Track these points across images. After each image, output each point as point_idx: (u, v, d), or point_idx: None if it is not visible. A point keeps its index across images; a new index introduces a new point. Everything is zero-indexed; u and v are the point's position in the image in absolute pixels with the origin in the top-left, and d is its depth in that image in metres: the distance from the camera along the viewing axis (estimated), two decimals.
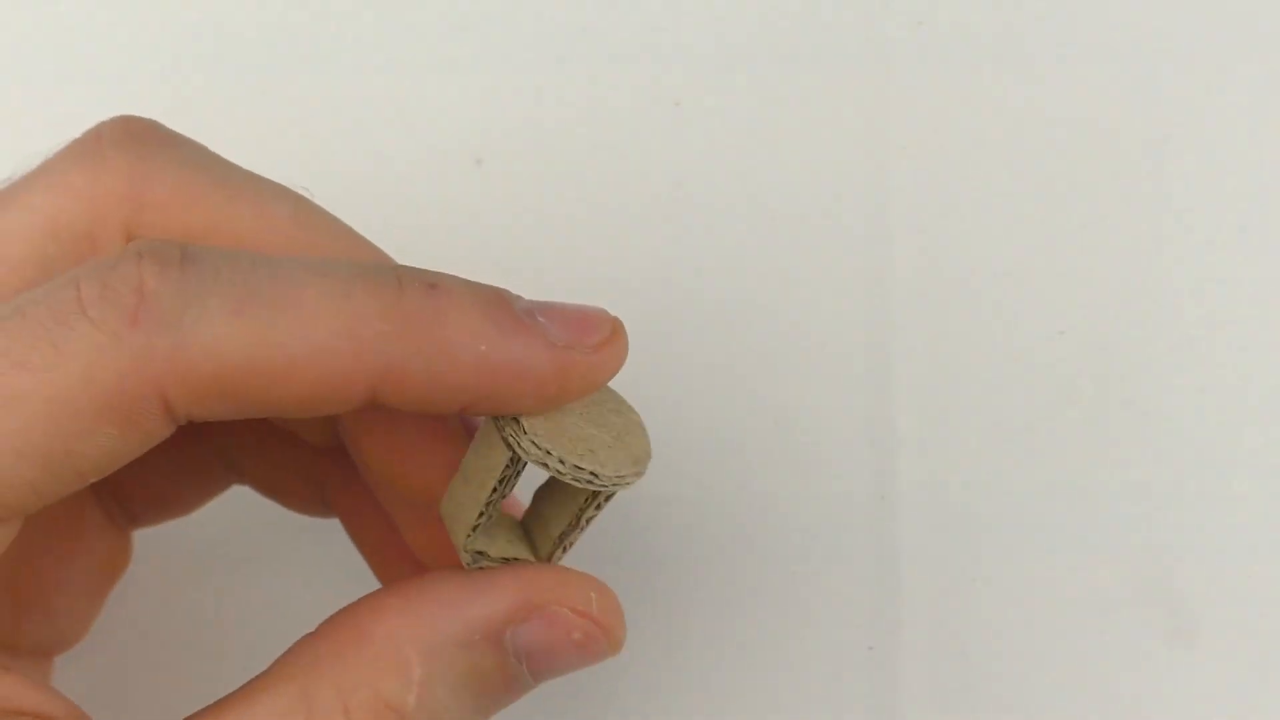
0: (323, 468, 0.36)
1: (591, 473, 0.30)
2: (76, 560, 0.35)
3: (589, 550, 0.40)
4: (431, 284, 0.29)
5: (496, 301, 0.29)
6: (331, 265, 0.29)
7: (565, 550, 0.32)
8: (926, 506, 0.40)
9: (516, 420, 0.30)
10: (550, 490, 0.32)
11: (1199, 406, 0.40)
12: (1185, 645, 0.39)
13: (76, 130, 0.32)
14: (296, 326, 0.28)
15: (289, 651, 0.30)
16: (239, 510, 0.39)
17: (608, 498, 0.31)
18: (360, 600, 0.31)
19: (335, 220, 0.33)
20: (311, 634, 0.30)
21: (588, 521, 0.31)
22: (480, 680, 0.30)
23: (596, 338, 0.30)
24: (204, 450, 0.36)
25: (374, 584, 0.35)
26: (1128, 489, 0.40)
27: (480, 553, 0.31)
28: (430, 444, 0.33)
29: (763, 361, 0.41)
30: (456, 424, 0.33)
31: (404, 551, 0.35)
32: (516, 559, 0.31)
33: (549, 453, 0.29)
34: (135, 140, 0.32)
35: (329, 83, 0.43)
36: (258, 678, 0.30)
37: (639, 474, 0.30)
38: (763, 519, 0.40)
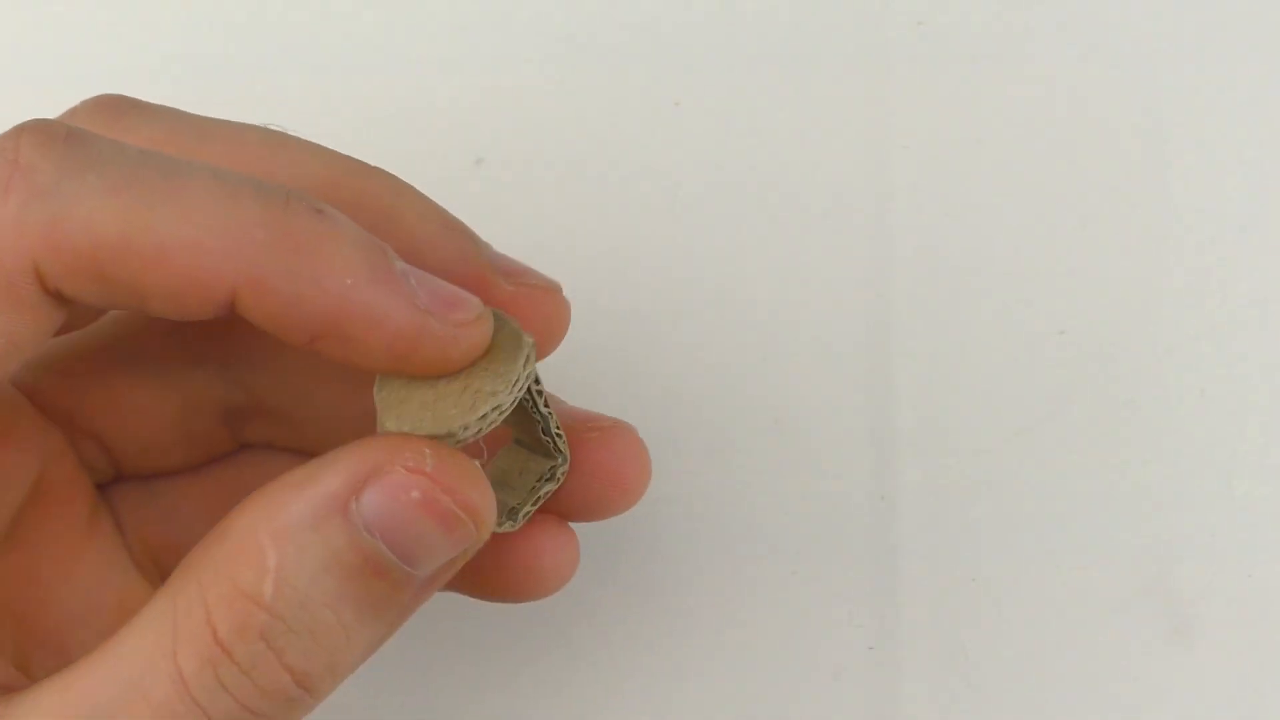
0: None
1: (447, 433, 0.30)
2: (88, 596, 0.35)
3: (590, 550, 0.40)
4: (319, 210, 0.29)
5: (376, 248, 0.30)
6: (227, 172, 0.29)
7: (520, 518, 0.32)
8: (926, 506, 0.40)
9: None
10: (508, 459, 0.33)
11: (1199, 407, 0.40)
12: (1185, 645, 0.39)
13: None
14: (174, 215, 0.28)
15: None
16: None
17: (552, 473, 0.32)
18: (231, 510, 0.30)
19: (308, 142, 0.33)
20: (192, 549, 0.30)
21: (545, 496, 0.32)
22: (339, 563, 0.29)
23: (460, 316, 0.30)
24: (238, 498, 0.36)
25: None
26: (1128, 489, 0.40)
27: None
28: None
29: (763, 361, 0.41)
30: None
31: None
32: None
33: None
34: (108, 106, 0.33)
35: (329, 83, 0.43)
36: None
37: (513, 385, 0.30)
38: (763, 519, 0.40)
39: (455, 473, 0.30)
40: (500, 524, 0.32)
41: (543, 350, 0.33)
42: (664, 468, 0.40)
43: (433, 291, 0.30)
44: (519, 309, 0.32)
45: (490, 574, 0.34)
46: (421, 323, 0.30)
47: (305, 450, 0.35)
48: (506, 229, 0.40)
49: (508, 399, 0.30)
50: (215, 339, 0.35)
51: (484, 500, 0.30)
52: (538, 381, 0.31)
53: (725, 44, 0.43)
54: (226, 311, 0.29)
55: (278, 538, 0.29)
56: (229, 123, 0.33)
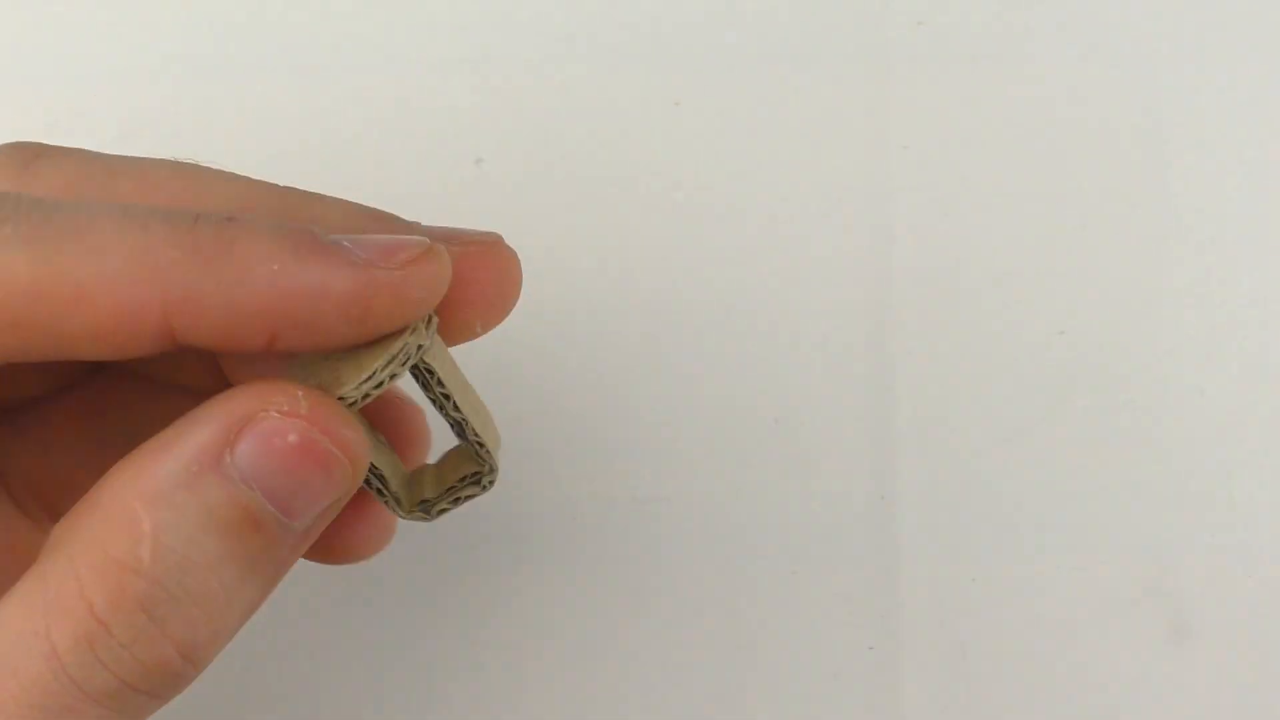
0: None
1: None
2: None
3: (589, 550, 0.40)
4: (228, 218, 0.29)
5: (296, 230, 0.29)
6: (133, 206, 0.29)
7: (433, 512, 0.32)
8: (926, 506, 0.40)
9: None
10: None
11: (1199, 407, 0.40)
12: (1185, 645, 0.39)
13: (75, 130, 0.32)
14: (86, 254, 0.28)
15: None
16: None
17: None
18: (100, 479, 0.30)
19: (219, 170, 0.32)
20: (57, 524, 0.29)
21: (466, 499, 0.32)
22: (217, 521, 0.28)
23: (404, 256, 0.29)
24: (106, 422, 0.35)
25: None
26: (1128, 489, 0.40)
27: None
28: None
29: (763, 361, 0.41)
30: None
31: None
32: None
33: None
34: (16, 153, 0.32)
35: (329, 83, 0.43)
36: None
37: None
38: (763, 519, 0.40)
39: (329, 413, 0.29)
40: (410, 513, 0.32)
41: (503, 307, 0.32)
42: (664, 467, 0.40)
43: (369, 245, 0.29)
44: (465, 272, 0.31)
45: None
46: (365, 278, 0.29)
47: (158, 377, 0.35)
48: (506, 229, 0.40)
49: (383, 366, 0.29)
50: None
51: (358, 439, 0.29)
52: (441, 384, 0.31)
53: (725, 44, 0.43)
54: (168, 343, 0.29)
55: (150, 500, 0.28)
56: (139, 159, 0.32)
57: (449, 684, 0.39)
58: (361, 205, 0.33)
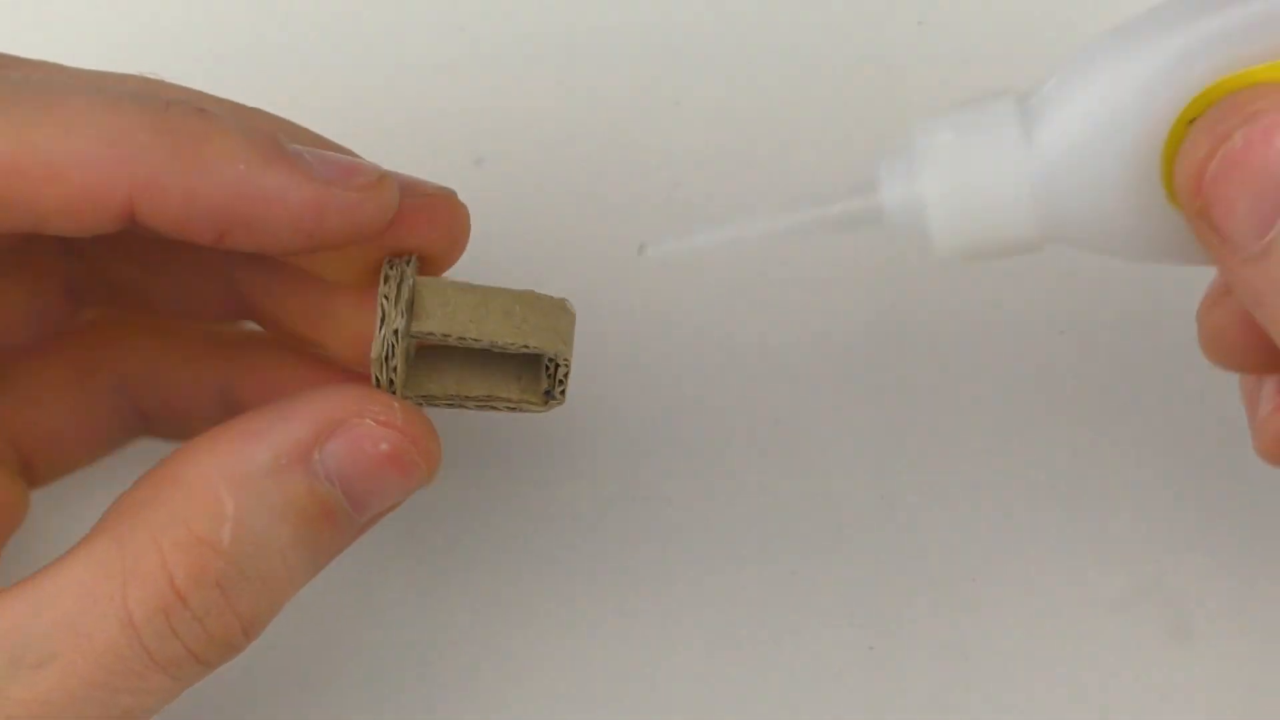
0: (226, 365, 0.36)
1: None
2: None
3: (589, 550, 0.40)
4: (201, 109, 0.30)
5: (263, 134, 0.30)
6: (107, 88, 0.30)
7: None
8: (926, 506, 0.40)
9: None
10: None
11: (1198, 407, 0.40)
12: (1185, 645, 0.39)
13: None
14: (59, 131, 0.29)
15: (106, 512, 0.30)
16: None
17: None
18: (174, 451, 0.30)
19: (186, 87, 0.33)
20: (126, 491, 0.30)
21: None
22: (296, 511, 0.30)
23: (361, 180, 0.31)
24: (93, 378, 0.36)
25: None
26: (1127, 489, 0.40)
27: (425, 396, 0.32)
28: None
29: (763, 361, 0.41)
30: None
31: None
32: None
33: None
34: None
35: (329, 83, 0.43)
36: (77, 543, 0.30)
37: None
38: (763, 519, 0.40)
39: (420, 425, 0.31)
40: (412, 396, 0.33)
41: (450, 257, 0.33)
42: (665, 467, 0.40)
43: (328, 162, 0.31)
44: (418, 222, 0.32)
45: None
46: (323, 194, 0.30)
47: (149, 324, 0.35)
48: (506, 229, 0.40)
49: (563, 351, 0.32)
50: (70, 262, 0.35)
51: (438, 450, 0.31)
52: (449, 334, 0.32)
53: (725, 44, 0.43)
54: (127, 222, 0.30)
55: (237, 485, 0.29)
56: (108, 72, 0.33)
57: (448, 684, 0.39)
58: (320, 136, 0.33)
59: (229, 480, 0.29)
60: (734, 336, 0.41)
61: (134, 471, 0.37)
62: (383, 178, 0.31)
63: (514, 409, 0.33)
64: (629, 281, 0.41)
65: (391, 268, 0.32)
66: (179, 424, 0.36)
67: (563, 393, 0.33)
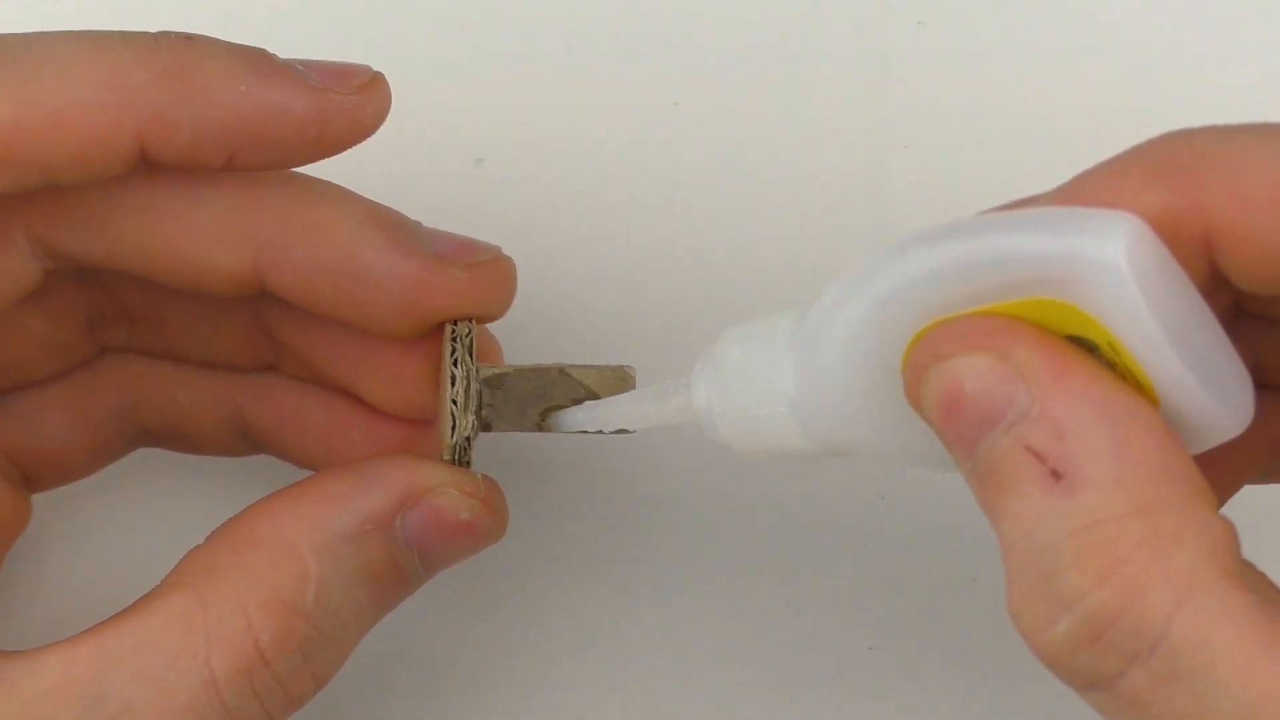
0: (236, 390, 0.36)
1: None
2: None
3: (589, 550, 0.40)
4: (188, 37, 0.30)
5: (256, 52, 0.31)
6: (89, 31, 0.30)
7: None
8: (926, 504, 0.40)
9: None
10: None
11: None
12: None
13: None
14: (55, 82, 0.29)
15: (179, 564, 0.30)
16: (149, 475, 0.39)
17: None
18: (249, 507, 0.31)
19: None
20: (201, 545, 0.30)
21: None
22: (373, 574, 0.30)
23: (356, 82, 0.31)
24: (99, 399, 0.36)
25: None
26: None
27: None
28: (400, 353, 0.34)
29: None
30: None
31: (349, 447, 0.35)
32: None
33: None
34: None
35: None
36: (150, 592, 0.30)
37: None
38: (763, 519, 0.40)
39: (495, 492, 0.32)
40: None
41: (500, 314, 0.34)
42: (665, 467, 0.40)
43: (322, 70, 0.31)
44: (477, 290, 0.33)
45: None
46: (323, 100, 0.31)
47: (165, 354, 0.35)
48: (506, 229, 0.40)
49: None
50: (83, 242, 0.34)
51: (506, 510, 0.32)
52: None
53: (725, 44, 0.43)
54: (136, 161, 0.30)
55: (320, 549, 0.30)
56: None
57: (448, 683, 0.39)
58: (367, 203, 0.33)
59: (313, 544, 0.30)
60: None
61: (135, 473, 0.38)
62: (375, 76, 0.32)
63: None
64: (629, 281, 0.41)
65: (455, 360, 0.32)
66: (186, 442, 0.36)
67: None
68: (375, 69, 0.32)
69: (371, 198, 0.33)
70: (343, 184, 0.34)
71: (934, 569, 0.39)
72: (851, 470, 0.40)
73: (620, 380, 0.33)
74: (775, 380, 0.28)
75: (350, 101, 0.31)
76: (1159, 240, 0.25)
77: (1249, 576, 0.24)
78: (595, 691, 0.39)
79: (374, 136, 0.42)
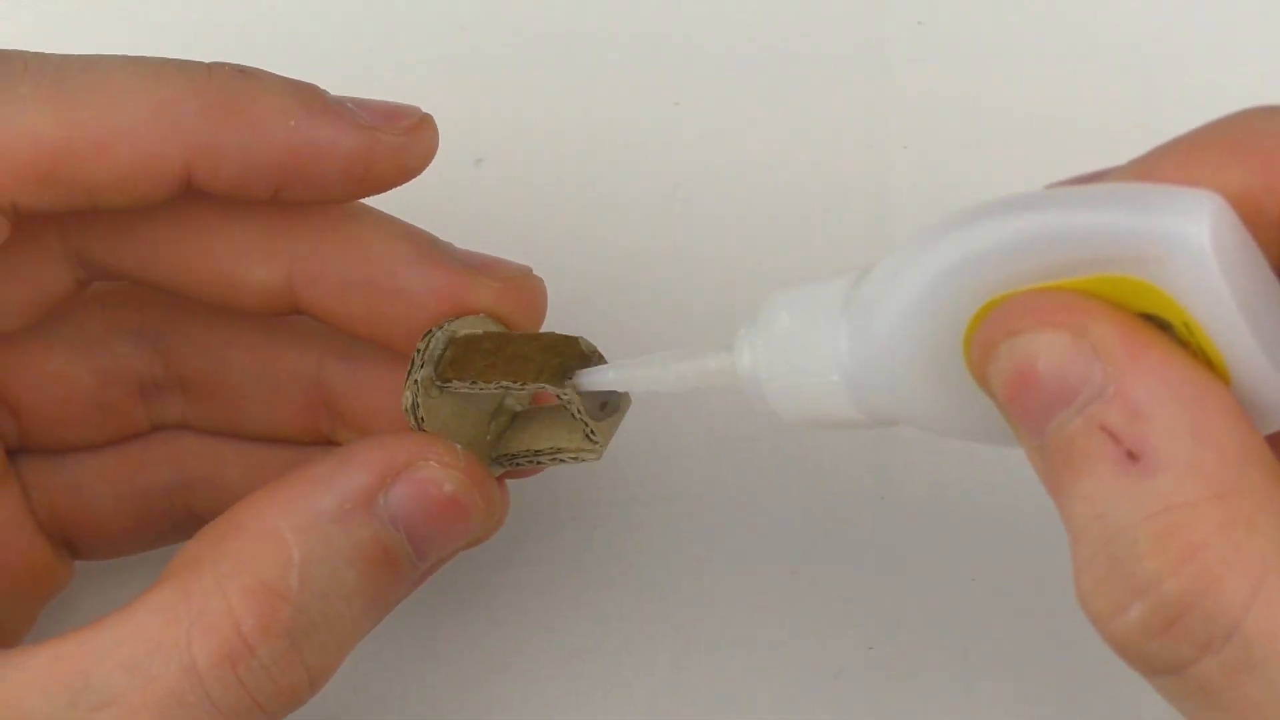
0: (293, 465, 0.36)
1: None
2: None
3: (589, 550, 0.40)
4: (242, 70, 0.30)
5: (307, 88, 0.31)
6: (143, 57, 0.30)
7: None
8: (926, 506, 0.40)
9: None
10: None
11: None
12: None
13: None
14: (107, 106, 0.29)
15: (170, 563, 0.30)
16: None
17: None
18: (236, 504, 0.30)
19: None
20: (189, 541, 0.30)
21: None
22: (360, 556, 0.30)
23: (405, 122, 0.32)
24: (148, 474, 0.36)
25: None
26: None
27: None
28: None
29: None
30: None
31: None
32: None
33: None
34: None
35: (329, 83, 0.43)
36: (140, 593, 0.30)
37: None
38: (763, 519, 0.40)
39: (480, 468, 0.31)
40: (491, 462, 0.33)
41: (536, 326, 0.34)
42: (665, 467, 0.40)
43: (372, 109, 0.32)
44: (509, 303, 0.33)
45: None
46: (371, 139, 0.31)
47: (219, 432, 0.35)
48: (506, 229, 0.40)
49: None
50: (136, 307, 0.35)
51: (500, 497, 0.32)
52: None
53: (725, 44, 0.43)
54: (181, 189, 0.30)
55: (302, 531, 0.29)
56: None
57: (448, 683, 0.39)
58: (394, 220, 0.34)
59: (294, 527, 0.29)
60: (734, 336, 0.41)
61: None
62: (424, 118, 0.32)
63: (576, 459, 0.33)
64: (629, 281, 0.41)
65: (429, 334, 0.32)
66: None
67: (593, 435, 0.33)
68: (424, 111, 0.32)
69: (372, 198, 0.33)
70: None
71: (934, 569, 0.39)
72: (852, 470, 0.40)
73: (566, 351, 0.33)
74: (828, 348, 0.28)
75: (396, 142, 0.31)
76: (1238, 220, 0.25)
77: None
78: (593, 691, 0.39)
79: None
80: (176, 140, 0.30)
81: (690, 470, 0.40)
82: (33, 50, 0.30)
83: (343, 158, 0.31)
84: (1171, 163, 0.26)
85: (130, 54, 0.31)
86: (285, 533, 0.29)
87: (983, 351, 0.26)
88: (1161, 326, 0.25)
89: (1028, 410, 0.25)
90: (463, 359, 0.32)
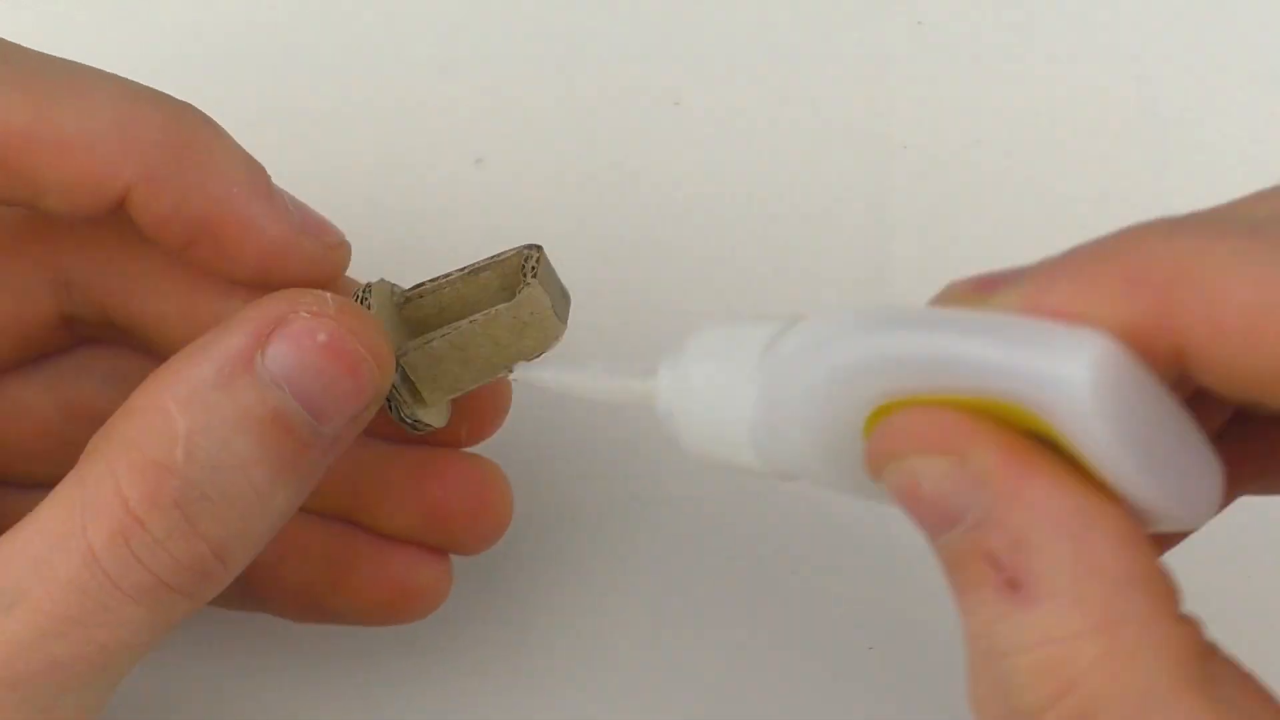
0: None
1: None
2: None
3: (589, 550, 0.40)
4: (208, 121, 0.31)
5: (257, 165, 0.32)
6: (131, 81, 0.31)
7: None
8: None
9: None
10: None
11: None
12: None
13: None
14: (79, 111, 0.30)
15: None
16: None
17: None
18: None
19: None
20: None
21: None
22: (250, 422, 0.29)
23: (330, 239, 0.32)
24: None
25: None
26: None
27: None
28: None
29: None
30: None
31: None
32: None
33: None
34: None
35: (329, 83, 0.43)
36: None
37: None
38: (764, 519, 0.40)
39: (355, 315, 0.30)
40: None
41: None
42: (665, 468, 0.40)
43: (305, 213, 0.32)
44: (325, 270, 0.33)
45: (365, 592, 0.35)
46: (295, 239, 0.31)
47: (147, 348, 0.35)
48: (506, 229, 0.40)
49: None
50: (59, 250, 0.34)
51: (384, 342, 0.31)
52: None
53: (725, 44, 0.43)
54: (114, 209, 0.30)
55: (185, 402, 0.29)
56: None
57: (448, 684, 0.39)
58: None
59: (178, 400, 0.29)
60: None
61: None
62: (344, 242, 0.33)
63: (520, 341, 0.33)
64: (629, 281, 0.41)
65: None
66: None
67: (534, 275, 0.33)
68: (345, 238, 0.33)
69: (372, 197, 0.34)
70: (342, 184, 0.34)
71: (934, 569, 0.39)
72: None
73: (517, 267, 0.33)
74: (737, 398, 0.28)
75: (316, 251, 0.32)
76: (1128, 356, 0.25)
77: (1217, 678, 0.24)
78: (593, 691, 0.39)
79: (374, 136, 0.43)
80: (131, 159, 0.30)
81: (690, 470, 0.40)
82: (19, 45, 0.31)
83: (263, 243, 0.31)
84: (1064, 292, 0.25)
85: (125, 58, 0.31)
86: (170, 406, 0.29)
87: (873, 461, 0.26)
88: (1047, 442, 0.25)
89: (920, 521, 0.26)
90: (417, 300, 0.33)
